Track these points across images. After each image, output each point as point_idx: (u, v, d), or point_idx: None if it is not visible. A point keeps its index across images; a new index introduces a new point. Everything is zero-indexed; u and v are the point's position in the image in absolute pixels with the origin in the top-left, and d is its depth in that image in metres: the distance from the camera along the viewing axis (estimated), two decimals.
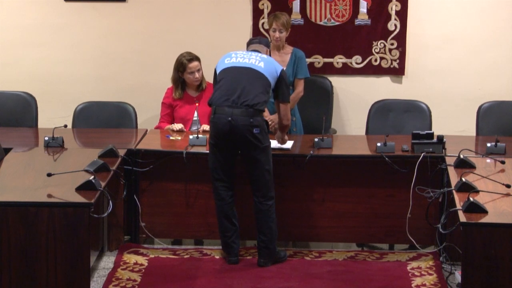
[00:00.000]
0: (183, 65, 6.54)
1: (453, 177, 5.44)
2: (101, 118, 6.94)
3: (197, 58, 6.58)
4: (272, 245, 5.73)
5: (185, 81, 6.62)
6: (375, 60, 7.37)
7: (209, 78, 6.63)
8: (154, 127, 6.76)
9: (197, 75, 6.55)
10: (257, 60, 5.69)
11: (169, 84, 6.72)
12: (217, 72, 5.78)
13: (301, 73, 6.55)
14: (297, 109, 6.67)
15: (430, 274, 5.59)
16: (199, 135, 6.15)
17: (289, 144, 6.07)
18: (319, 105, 7.19)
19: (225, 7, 7.36)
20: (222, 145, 5.66)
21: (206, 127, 6.49)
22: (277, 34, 6.45)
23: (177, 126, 6.51)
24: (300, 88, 6.56)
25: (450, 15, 7.29)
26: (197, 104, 6.59)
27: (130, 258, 5.84)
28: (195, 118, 6.61)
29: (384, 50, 7.35)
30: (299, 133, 6.67)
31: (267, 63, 5.69)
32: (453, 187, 5.24)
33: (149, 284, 5.45)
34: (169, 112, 6.67)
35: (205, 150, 6.05)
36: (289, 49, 6.58)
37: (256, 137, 5.61)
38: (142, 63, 7.50)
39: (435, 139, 5.97)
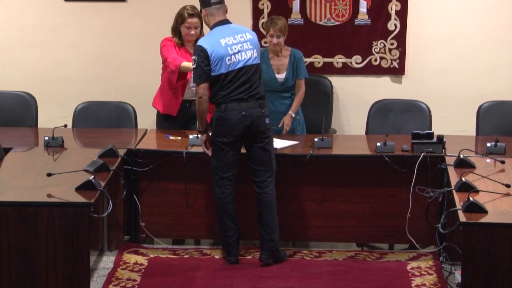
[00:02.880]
0: (182, 17, 6.38)
1: (453, 177, 5.44)
2: (101, 118, 6.94)
3: (198, 15, 6.35)
4: (276, 237, 5.73)
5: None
6: (375, 60, 7.37)
7: None
8: (174, 66, 6.35)
9: (193, 31, 6.38)
10: (250, 50, 5.64)
11: None
12: (215, 68, 5.55)
13: (302, 74, 6.54)
14: (301, 109, 6.66)
15: (430, 274, 5.59)
16: (199, 135, 6.15)
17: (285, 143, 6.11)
18: (319, 105, 7.18)
19: None
20: (234, 142, 5.66)
21: None
22: (274, 40, 6.42)
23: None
24: (303, 89, 6.54)
25: (450, 15, 7.29)
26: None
27: (130, 258, 5.84)
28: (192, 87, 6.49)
29: (384, 50, 7.35)
30: (302, 132, 6.65)
31: (256, 46, 5.69)
32: (453, 187, 5.24)
33: (149, 284, 5.45)
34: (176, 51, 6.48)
35: None
36: (287, 51, 6.55)
37: (268, 128, 5.68)
38: (142, 63, 7.50)
39: (435, 139, 5.97)
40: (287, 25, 6.51)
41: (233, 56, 5.61)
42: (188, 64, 6.28)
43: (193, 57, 5.61)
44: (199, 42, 5.63)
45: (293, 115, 6.46)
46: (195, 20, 6.38)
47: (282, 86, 6.50)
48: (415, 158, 5.85)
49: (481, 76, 7.33)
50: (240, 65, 5.61)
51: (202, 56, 5.55)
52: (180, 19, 6.41)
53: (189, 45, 6.50)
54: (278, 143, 6.08)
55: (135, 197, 6.08)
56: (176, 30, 6.48)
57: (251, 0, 7.33)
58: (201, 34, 6.43)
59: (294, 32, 7.26)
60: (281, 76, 6.49)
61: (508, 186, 5.10)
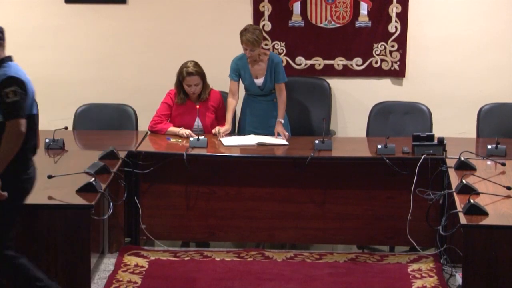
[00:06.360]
0: (182, 75, 6.48)
1: (454, 179, 5.44)
2: (102, 120, 6.95)
3: (198, 73, 6.45)
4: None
5: None
6: (376, 62, 7.37)
7: (212, 83, 6.64)
8: (149, 127, 6.62)
9: (193, 89, 6.48)
10: None
11: (170, 86, 6.70)
12: (30, 105, 4.99)
13: (280, 78, 6.53)
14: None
15: (431, 276, 5.59)
16: (199, 137, 6.16)
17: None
18: (318, 108, 7.18)
19: (226, 9, 7.36)
20: None
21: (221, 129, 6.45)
22: (247, 53, 6.46)
23: (185, 131, 6.44)
24: (284, 93, 6.53)
25: (451, 17, 7.29)
26: (198, 107, 6.48)
27: (131, 260, 5.84)
28: (195, 127, 6.55)
29: (385, 52, 7.35)
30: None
31: None
32: (453, 189, 5.24)
33: (150, 286, 5.45)
34: (168, 114, 6.62)
35: (206, 152, 6.07)
36: (265, 56, 6.54)
37: None
38: (142, 65, 7.50)
39: (435, 141, 5.98)
40: (259, 35, 6.44)
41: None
42: (175, 130, 6.47)
43: (14, 89, 4.76)
44: (15, 74, 4.81)
45: (282, 121, 6.45)
46: (194, 78, 6.45)
47: (261, 91, 6.54)
48: (416, 160, 5.85)
49: (481, 78, 7.33)
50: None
51: (23, 88, 4.81)
52: (181, 76, 6.50)
53: (193, 98, 6.58)
54: (263, 139, 6.28)
55: (135, 199, 6.08)
56: (178, 86, 6.55)
57: (251, 2, 7.33)
58: (203, 89, 6.53)
59: (294, 34, 7.26)
60: (259, 81, 6.54)
61: (508, 188, 5.11)
